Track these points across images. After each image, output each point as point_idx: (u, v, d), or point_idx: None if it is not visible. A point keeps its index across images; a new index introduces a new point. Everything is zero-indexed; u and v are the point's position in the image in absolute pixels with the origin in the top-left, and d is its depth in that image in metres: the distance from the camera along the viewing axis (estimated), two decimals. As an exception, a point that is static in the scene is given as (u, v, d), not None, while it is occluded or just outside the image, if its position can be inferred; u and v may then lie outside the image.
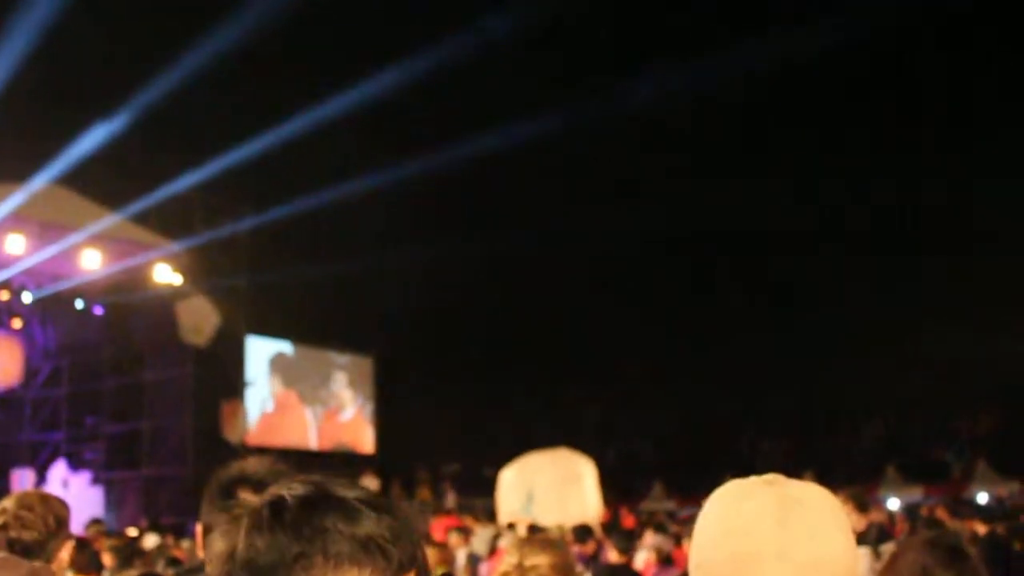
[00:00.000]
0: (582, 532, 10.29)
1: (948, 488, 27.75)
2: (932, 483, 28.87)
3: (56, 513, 3.61)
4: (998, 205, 30.83)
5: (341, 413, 27.19)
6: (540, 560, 3.58)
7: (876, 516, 12.51)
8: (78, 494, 21.30)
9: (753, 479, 1.64)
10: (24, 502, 3.57)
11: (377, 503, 1.30)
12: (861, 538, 8.12)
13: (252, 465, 2.63)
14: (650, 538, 11.39)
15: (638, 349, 35.25)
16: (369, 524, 1.27)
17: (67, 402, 24.54)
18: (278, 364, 25.58)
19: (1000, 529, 10.41)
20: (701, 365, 34.38)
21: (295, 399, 26.00)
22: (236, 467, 2.65)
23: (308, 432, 26.32)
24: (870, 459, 32.11)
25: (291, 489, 1.31)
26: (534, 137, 26.27)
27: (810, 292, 34.70)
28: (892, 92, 34.02)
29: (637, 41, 32.95)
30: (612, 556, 9.31)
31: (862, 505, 9.21)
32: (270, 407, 25.35)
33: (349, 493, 1.30)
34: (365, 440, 27.75)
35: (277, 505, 1.29)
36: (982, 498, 25.29)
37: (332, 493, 1.30)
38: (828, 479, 29.97)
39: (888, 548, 7.83)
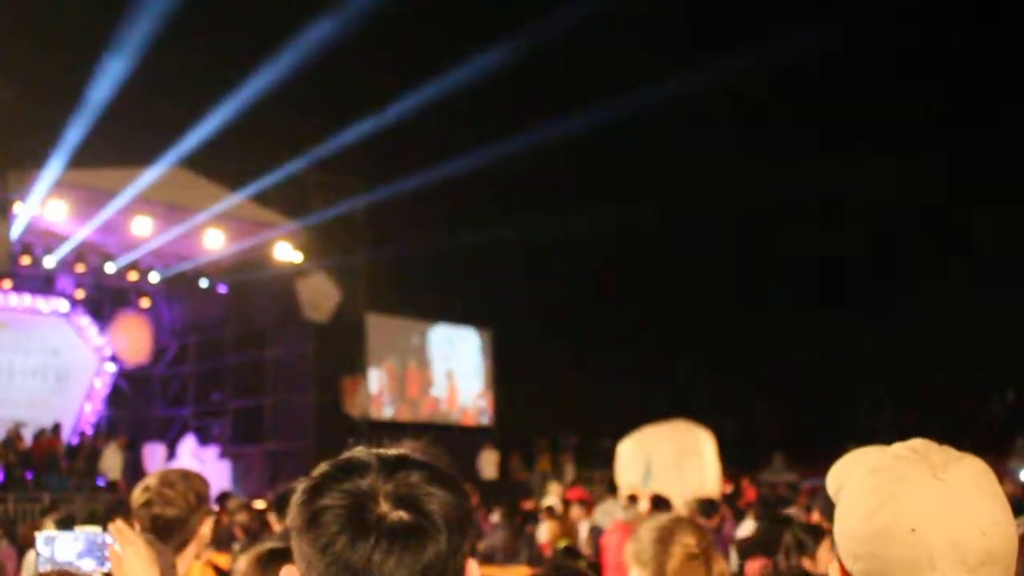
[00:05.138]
0: (708, 506, 10.22)
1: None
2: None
3: (197, 490, 3.71)
4: None
5: (461, 389, 27.40)
6: (688, 540, 3.47)
7: (1008, 488, 12.28)
8: (207, 468, 21.86)
9: (904, 452, 1.57)
10: (166, 479, 3.67)
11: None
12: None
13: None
14: (783, 511, 11.26)
15: (754, 320, 34.83)
16: None
17: (194, 379, 25.18)
18: (398, 338, 25.86)
19: None
20: (818, 335, 33.86)
21: (416, 373, 26.25)
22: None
23: (429, 406, 26.58)
24: (997, 429, 31.29)
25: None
26: (647, 109, 26.02)
27: (938, 260, 33.92)
28: None
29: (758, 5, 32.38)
30: (750, 528, 9.23)
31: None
32: (392, 380, 25.62)
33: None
34: (484, 413, 27.94)
35: None
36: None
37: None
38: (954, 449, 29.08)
39: (1022, 521, 7.65)
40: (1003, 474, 20.54)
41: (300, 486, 1.43)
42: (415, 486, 1.39)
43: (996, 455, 26.51)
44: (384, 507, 1.35)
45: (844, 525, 1.57)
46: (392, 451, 1.46)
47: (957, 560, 1.45)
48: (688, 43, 31.29)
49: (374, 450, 1.46)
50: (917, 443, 1.60)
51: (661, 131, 31.69)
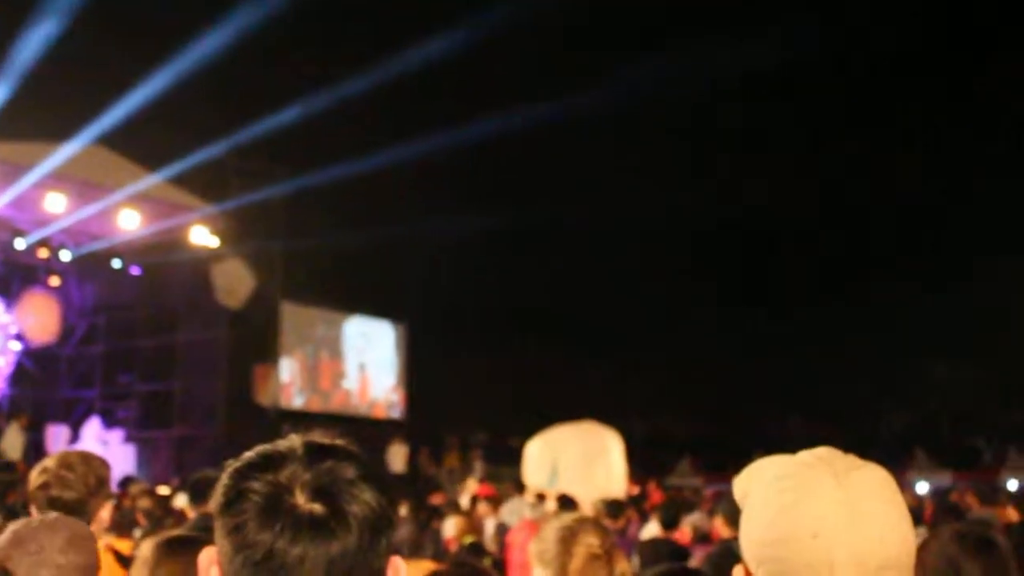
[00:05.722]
0: (614, 507, 10.29)
1: (978, 474, 27.59)
2: (961, 468, 28.71)
3: (97, 473, 3.65)
4: (996, 198, 31.25)
5: (373, 381, 27.31)
6: (591, 540, 3.47)
7: (906, 499, 12.46)
8: (111, 452, 21.52)
9: (810, 460, 1.61)
10: (65, 461, 3.61)
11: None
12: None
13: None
14: (687, 515, 11.36)
15: (669, 326, 35.18)
16: None
17: (102, 360, 24.73)
18: (312, 329, 25.70)
19: (1033, 518, 10.35)
20: (731, 343, 34.31)
21: (328, 364, 26.12)
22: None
23: (341, 398, 26.46)
24: (900, 442, 31.99)
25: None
26: (565, 111, 26.21)
27: (840, 278, 34.53)
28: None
29: (671, 16, 32.68)
30: (653, 531, 9.28)
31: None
32: (304, 371, 25.46)
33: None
34: (395, 408, 27.88)
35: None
36: (1012, 485, 25.13)
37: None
38: (857, 461, 29.60)
39: (919, 532, 7.81)
40: (902, 486, 21.01)
41: (226, 470, 1.42)
42: (337, 479, 1.38)
43: (895, 467, 27.11)
44: (300, 498, 1.35)
45: (750, 530, 1.60)
46: (323, 440, 1.45)
47: (857, 565, 1.48)
48: (606, 48, 31.49)
49: (305, 439, 1.45)
50: (822, 451, 1.63)
51: (576, 134, 31.82)
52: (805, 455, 1.64)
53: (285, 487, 1.36)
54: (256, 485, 1.36)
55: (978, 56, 32.80)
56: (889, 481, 1.59)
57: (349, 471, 1.39)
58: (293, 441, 1.44)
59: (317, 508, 1.35)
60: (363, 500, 1.37)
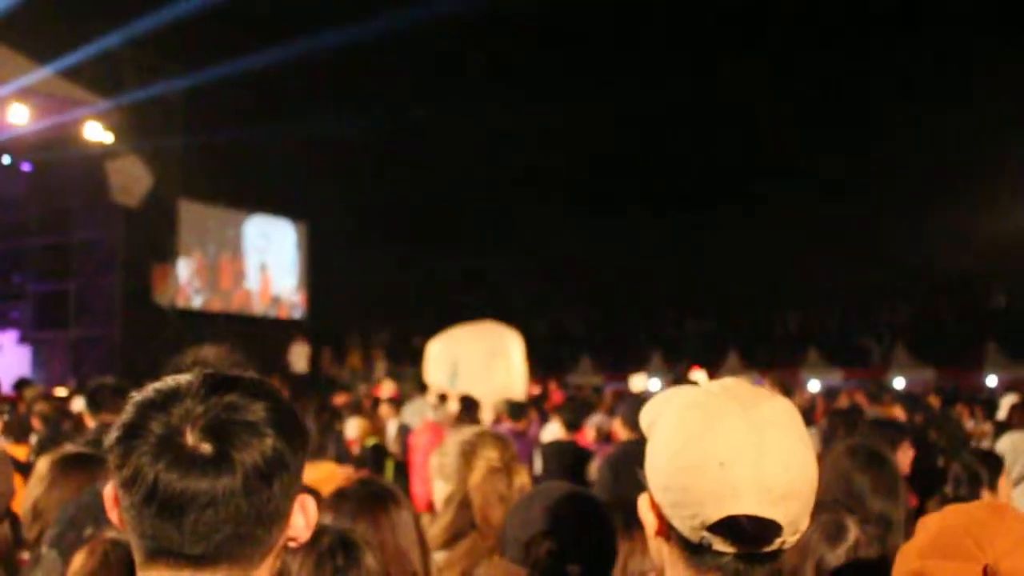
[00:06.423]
0: (516, 409, 10.38)
1: (868, 372, 28.39)
2: (852, 367, 29.51)
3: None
4: (894, 107, 31.94)
5: (274, 281, 27.10)
6: (491, 454, 3.49)
7: (798, 400, 12.84)
8: (5, 353, 21.16)
9: (717, 390, 1.64)
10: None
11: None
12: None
13: (207, 353, 2.62)
14: (589, 416, 11.53)
15: (567, 225, 35.33)
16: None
17: (-8, 259, 24.20)
18: (212, 228, 25.33)
19: (918, 418, 10.72)
20: (631, 243, 34.59)
21: (229, 264, 25.82)
22: (191, 355, 2.66)
23: (241, 298, 26.24)
24: (792, 342, 32.73)
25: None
26: (471, 9, 25.89)
27: (734, 180, 34.94)
28: None
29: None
30: (555, 432, 9.39)
31: (786, 391, 9.43)
32: (203, 270, 25.14)
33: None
34: (297, 307, 27.76)
35: None
36: (899, 383, 25.97)
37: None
38: (751, 360, 30.87)
39: (811, 432, 8.01)
40: (795, 384, 21.55)
41: (128, 404, 1.41)
42: (232, 418, 1.37)
43: (789, 367, 27.85)
44: (189, 438, 1.35)
45: (656, 458, 1.63)
46: (228, 373, 1.45)
47: (761, 492, 1.52)
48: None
49: (206, 372, 1.44)
50: (729, 382, 1.67)
51: (487, 28, 31.43)
52: (713, 386, 1.68)
53: (176, 427, 1.36)
54: (150, 423, 1.36)
55: None
56: (793, 411, 1.64)
57: (251, 408, 1.39)
58: (194, 374, 1.43)
59: (205, 447, 1.35)
60: (255, 442, 1.37)
